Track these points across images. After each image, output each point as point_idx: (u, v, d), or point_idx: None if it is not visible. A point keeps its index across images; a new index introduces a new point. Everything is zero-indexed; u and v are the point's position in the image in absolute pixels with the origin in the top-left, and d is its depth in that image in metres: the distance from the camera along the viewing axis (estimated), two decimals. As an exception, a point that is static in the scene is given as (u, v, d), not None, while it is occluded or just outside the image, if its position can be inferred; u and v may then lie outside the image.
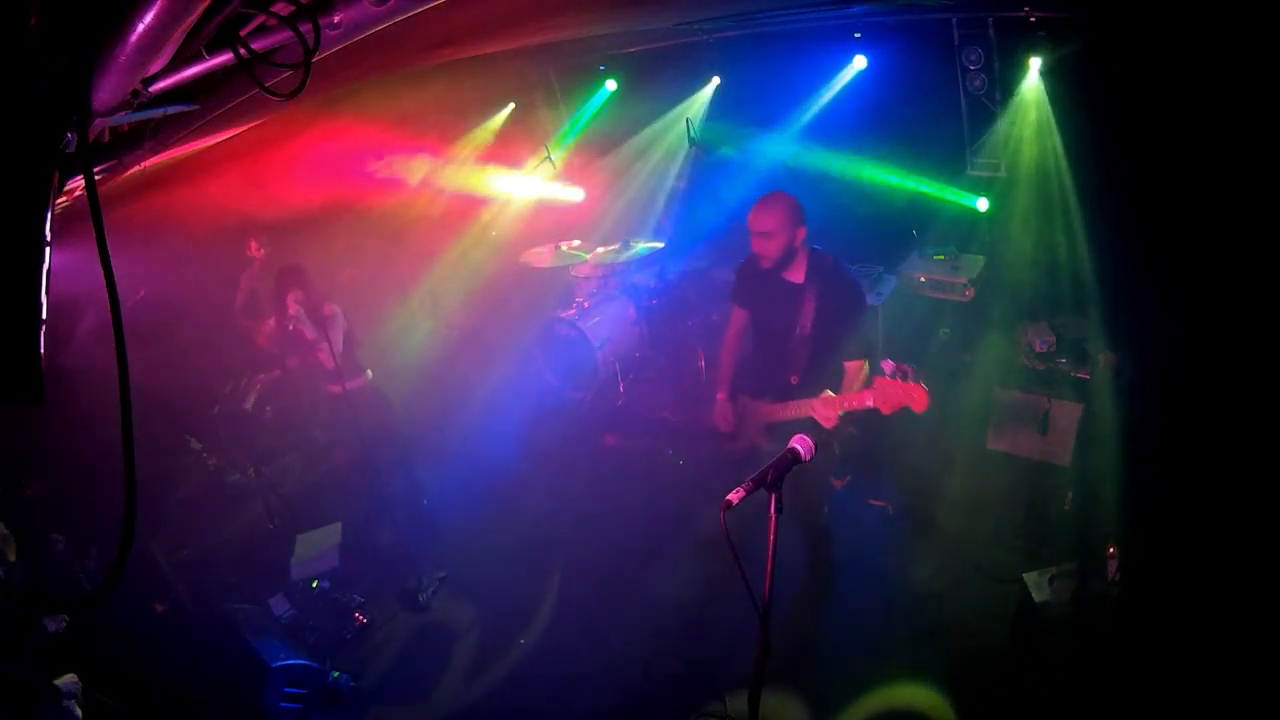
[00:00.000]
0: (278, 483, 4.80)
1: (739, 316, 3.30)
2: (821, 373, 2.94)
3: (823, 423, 2.73)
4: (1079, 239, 4.19)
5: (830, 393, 2.79)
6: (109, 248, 1.06)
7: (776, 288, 3.01)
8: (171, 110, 1.83)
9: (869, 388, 2.59)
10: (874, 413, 2.56)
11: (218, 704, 3.18)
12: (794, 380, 3.00)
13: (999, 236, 4.71)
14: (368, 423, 4.33)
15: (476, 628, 3.82)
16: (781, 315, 3.02)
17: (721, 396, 3.30)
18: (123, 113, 1.35)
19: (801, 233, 2.91)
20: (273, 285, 4.24)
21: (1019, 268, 4.53)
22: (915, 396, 2.44)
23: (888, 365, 2.45)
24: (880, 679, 3.21)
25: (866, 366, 2.91)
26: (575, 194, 6.33)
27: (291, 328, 4.12)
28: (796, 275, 2.99)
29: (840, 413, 2.72)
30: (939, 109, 4.56)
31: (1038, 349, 4.21)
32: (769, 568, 1.75)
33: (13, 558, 2.92)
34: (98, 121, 1.39)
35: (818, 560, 3.41)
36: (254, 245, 4.76)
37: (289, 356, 4.52)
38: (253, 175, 4.38)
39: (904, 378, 2.44)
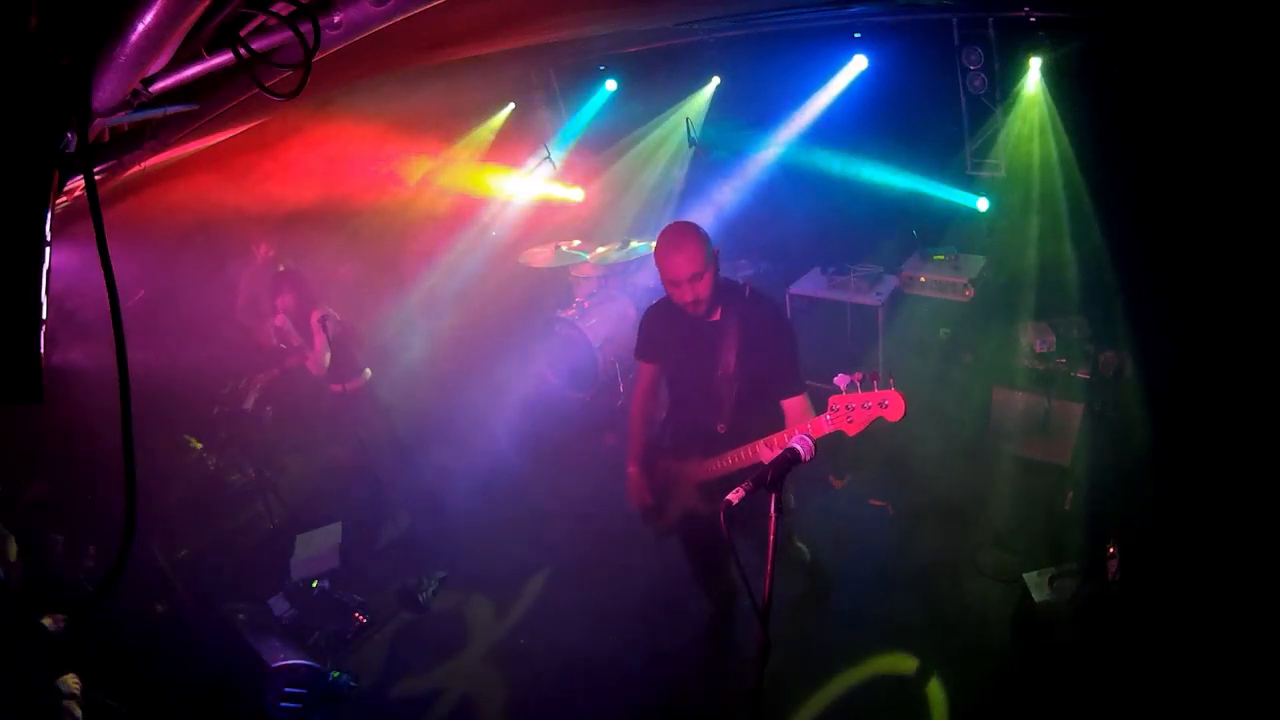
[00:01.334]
0: (277, 483, 4.80)
1: (648, 373, 2.86)
2: (751, 415, 2.56)
3: (766, 462, 2.21)
4: (1079, 238, 4.19)
5: (772, 437, 2.33)
6: (109, 247, 1.07)
7: (690, 330, 2.61)
8: (171, 110, 1.83)
9: (820, 413, 2.12)
10: (840, 435, 2.10)
11: (217, 704, 3.18)
12: (720, 428, 2.60)
13: (999, 236, 4.72)
14: (363, 425, 4.33)
15: (476, 628, 3.82)
16: (700, 359, 2.62)
17: (633, 470, 2.85)
18: (123, 113, 1.35)
19: (717, 252, 2.52)
20: (266, 291, 4.28)
21: (1019, 268, 4.53)
22: (888, 403, 1.97)
23: (841, 380, 1.98)
24: (879, 679, 3.21)
25: (807, 401, 2.52)
26: (575, 194, 6.34)
27: (278, 341, 4.18)
28: (715, 313, 2.58)
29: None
30: (939, 109, 4.56)
31: (1038, 349, 4.21)
32: (769, 568, 1.75)
33: (13, 558, 2.92)
34: (98, 121, 1.39)
35: (808, 566, 3.36)
36: (263, 247, 4.77)
37: (286, 357, 4.53)
38: (252, 175, 4.39)
39: (868, 385, 1.97)
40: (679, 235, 2.47)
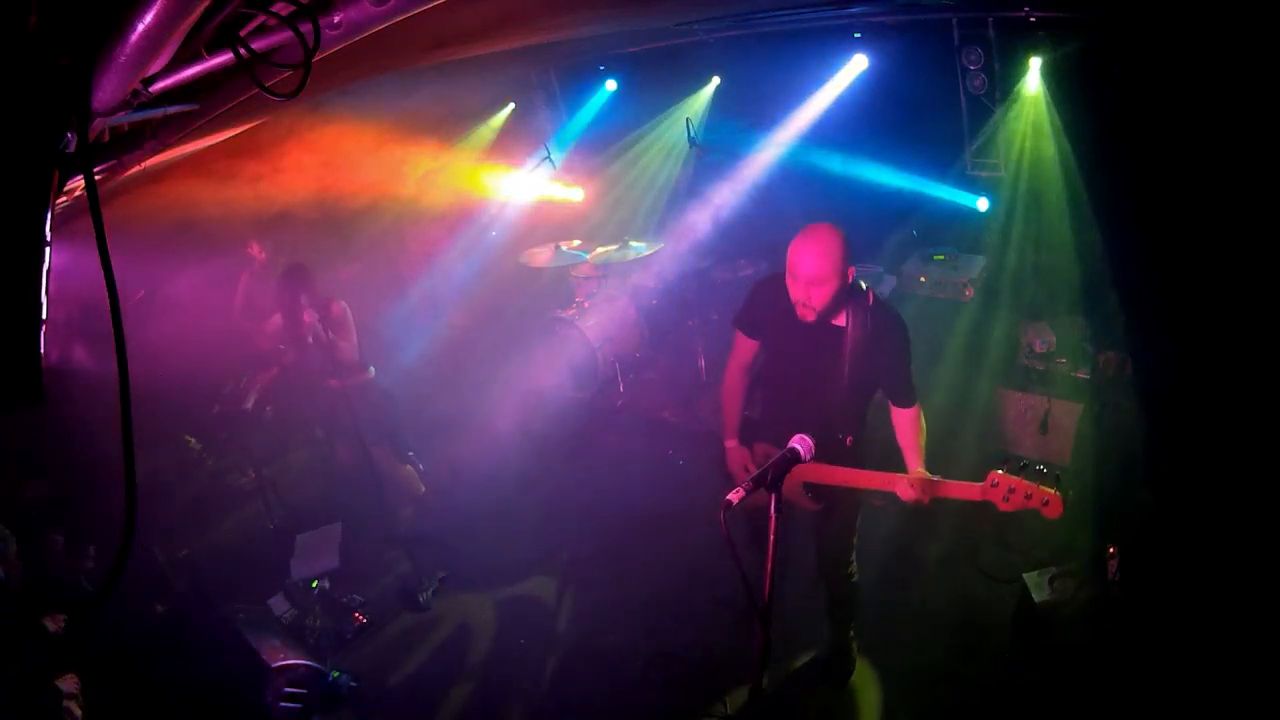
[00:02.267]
0: (278, 483, 4.80)
1: (747, 348, 2.71)
2: (866, 429, 2.61)
3: (902, 498, 2.39)
4: (1079, 238, 4.19)
5: (923, 470, 2.42)
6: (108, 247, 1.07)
7: (811, 328, 2.46)
8: (172, 110, 1.83)
9: (981, 482, 2.23)
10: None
11: (217, 704, 3.18)
12: (849, 442, 2.53)
13: (999, 236, 4.71)
14: (369, 419, 4.31)
15: (476, 628, 3.82)
16: (818, 362, 2.51)
17: (731, 444, 2.80)
18: (123, 113, 1.35)
19: (852, 272, 2.41)
20: (277, 287, 4.20)
21: (1019, 268, 4.53)
22: (1049, 503, 2.13)
23: (1003, 472, 2.17)
24: (880, 679, 3.21)
25: (920, 414, 2.57)
26: (575, 194, 6.34)
27: (311, 338, 4.01)
28: (838, 317, 2.50)
29: (931, 498, 2.34)
30: (939, 109, 4.55)
31: (1038, 349, 4.21)
32: (769, 567, 1.75)
33: (13, 558, 2.93)
34: (98, 121, 1.39)
35: (839, 620, 3.23)
36: (255, 247, 4.75)
37: (288, 353, 4.50)
38: (251, 174, 4.38)
39: (1034, 476, 2.14)
40: (817, 232, 2.37)
